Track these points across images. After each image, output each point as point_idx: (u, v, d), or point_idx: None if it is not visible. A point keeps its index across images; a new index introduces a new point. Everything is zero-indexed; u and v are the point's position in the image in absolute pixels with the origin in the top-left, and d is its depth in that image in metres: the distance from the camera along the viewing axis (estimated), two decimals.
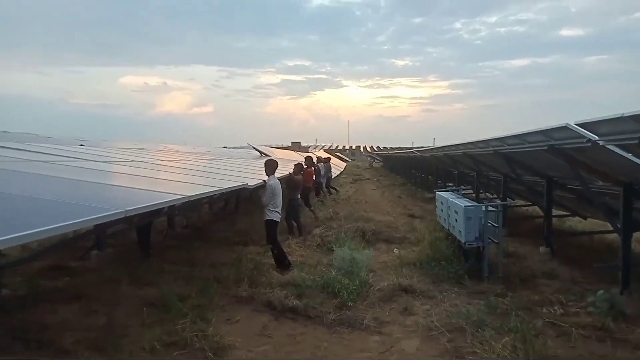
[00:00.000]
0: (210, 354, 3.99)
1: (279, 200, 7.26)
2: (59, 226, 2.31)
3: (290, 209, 9.44)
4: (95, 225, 6.71)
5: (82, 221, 2.49)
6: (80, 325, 4.57)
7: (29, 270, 6.34)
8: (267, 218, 7.09)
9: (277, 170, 7.52)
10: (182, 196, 4.61)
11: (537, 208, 11.87)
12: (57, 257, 7.02)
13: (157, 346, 4.02)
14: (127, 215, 3.02)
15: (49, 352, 3.96)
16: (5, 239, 1.93)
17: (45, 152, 9.12)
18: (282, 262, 6.96)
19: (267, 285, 5.95)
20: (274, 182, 7.23)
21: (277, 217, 7.16)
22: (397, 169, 35.78)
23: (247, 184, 7.30)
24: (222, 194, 8.15)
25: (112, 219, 2.96)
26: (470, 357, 3.97)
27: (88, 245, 7.56)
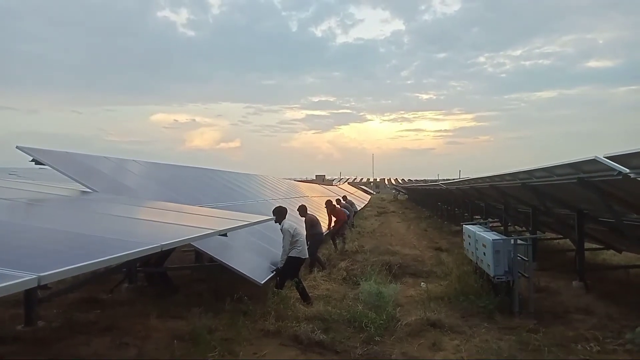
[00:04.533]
0: None
1: (302, 239, 7.45)
2: (105, 259, 2.45)
3: (315, 244, 9.59)
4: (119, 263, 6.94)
5: (124, 254, 2.63)
6: (113, 358, 4.67)
7: (62, 302, 6.55)
8: (290, 255, 7.28)
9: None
10: (213, 230, 4.74)
11: (568, 241, 11.56)
12: (89, 290, 7.25)
13: None
14: (163, 249, 3.15)
15: None
16: (65, 270, 2.08)
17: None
18: (307, 297, 7.02)
19: (293, 319, 5.95)
20: (288, 224, 7.44)
21: (297, 253, 7.29)
22: (423, 202, 35.46)
23: (274, 217, 7.41)
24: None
25: (149, 253, 3.10)
26: None
27: (117, 279, 7.79)
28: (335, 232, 12.33)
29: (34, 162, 7.29)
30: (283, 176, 36.28)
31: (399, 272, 9.26)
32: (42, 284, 1.97)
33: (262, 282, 6.63)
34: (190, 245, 7.94)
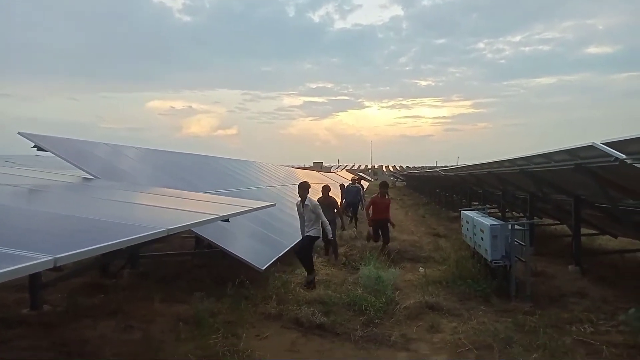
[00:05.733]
0: None
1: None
2: (116, 242, 2.52)
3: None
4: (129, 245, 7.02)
5: (133, 238, 2.70)
6: (119, 340, 4.77)
7: (66, 287, 6.63)
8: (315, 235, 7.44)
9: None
10: (215, 216, 4.81)
11: (565, 227, 11.70)
12: (92, 275, 7.33)
13: (195, 356, 4.17)
14: (169, 234, 3.21)
15: None
16: (80, 252, 2.15)
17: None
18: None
19: (294, 302, 6.06)
20: (315, 200, 7.66)
21: (316, 233, 7.48)
22: (421, 189, 35.58)
23: (274, 203, 7.47)
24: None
25: (156, 237, 3.16)
26: None
27: (119, 264, 7.87)
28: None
29: (35, 148, 7.32)
30: (281, 163, 36.28)
31: (398, 258, 9.37)
32: (57, 265, 2.04)
33: (263, 268, 6.73)
34: (190, 231, 8.02)
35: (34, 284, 5.71)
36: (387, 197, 10.13)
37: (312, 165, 79.42)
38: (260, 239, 8.26)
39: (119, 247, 2.60)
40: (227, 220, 5.66)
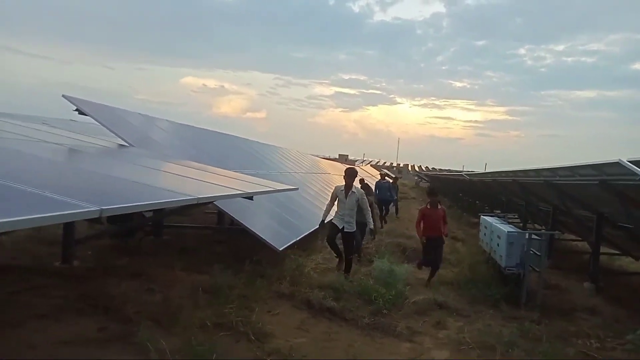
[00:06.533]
0: (253, 338, 4.36)
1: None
2: (156, 202, 2.76)
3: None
4: (155, 213, 7.35)
5: (170, 201, 2.93)
6: (140, 300, 5.07)
7: (95, 246, 7.03)
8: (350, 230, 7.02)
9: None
10: (242, 192, 5.05)
11: (586, 244, 11.54)
12: (117, 240, 7.72)
13: (207, 324, 4.43)
14: (199, 202, 3.44)
15: (115, 318, 4.46)
16: (125, 206, 2.39)
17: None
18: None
19: (307, 285, 6.28)
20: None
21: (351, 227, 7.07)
22: (444, 191, 35.27)
23: (297, 188, 7.67)
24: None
25: (186, 204, 3.40)
26: None
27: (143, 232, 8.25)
28: None
29: (77, 112, 7.71)
30: (306, 152, 36.45)
31: (413, 255, 9.47)
32: (103, 215, 2.27)
33: (280, 249, 6.96)
34: (212, 207, 8.32)
35: (67, 239, 6.09)
36: (439, 207, 7.73)
37: (337, 157, 79.36)
38: (280, 221, 8.50)
39: (158, 207, 2.84)
40: (251, 198, 5.90)
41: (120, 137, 7.88)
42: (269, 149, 18.19)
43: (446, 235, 7.92)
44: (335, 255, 7.20)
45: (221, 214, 10.47)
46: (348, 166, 7.54)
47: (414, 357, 4.43)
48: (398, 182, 19.18)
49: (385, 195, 14.23)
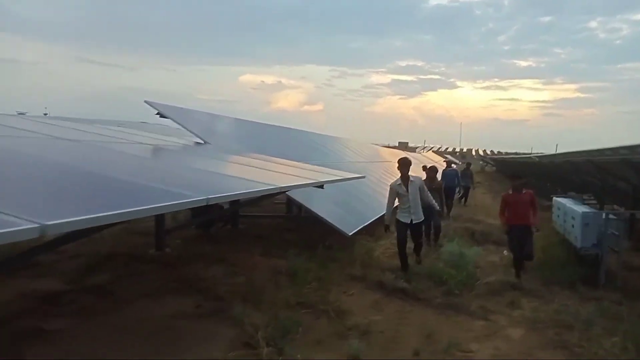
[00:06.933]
0: (332, 315, 4.69)
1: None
2: (250, 191, 3.13)
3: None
4: (231, 204, 7.90)
5: (258, 190, 3.30)
6: (227, 281, 5.59)
7: (181, 235, 7.71)
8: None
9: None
10: (314, 181, 5.38)
11: None
12: (199, 229, 8.39)
13: (290, 302, 4.82)
14: (281, 191, 3.79)
15: (208, 297, 4.98)
16: (226, 195, 2.77)
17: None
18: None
19: (377, 268, 6.53)
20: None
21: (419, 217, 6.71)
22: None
23: (364, 176, 7.91)
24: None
25: (272, 192, 3.76)
26: (577, 349, 4.13)
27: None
28: None
29: (158, 115, 8.43)
30: (364, 141, 36.41)
31: (482, 239, 9.42)
32: (209, 203, 2.65)
33: (350, 234, 7.25)
34: (281, 197, 8.76)
35: (159, 230, 6.75)
36: (523, 191, 6.63)
37: (397, 145, 78.32)
38: (347, 208, 8.78)
39: (250, 197, 3.21)
40: (322, 187, 6.21)
41: (196, 135, 8.51)
42: (328, 139, 18.53)
43: (537, 229, 6.69)
44: (401, 267, 6.53)
45: (290, 203, 10.96)
46: (401, 156, 6.88)
47: (489, 334, 4.54)
48: (470, 168, 17.98)
49: (452, 183, 14.07)
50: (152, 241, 6.93)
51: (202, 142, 8.54)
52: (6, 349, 3.47)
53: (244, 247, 7.27)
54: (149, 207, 2.19)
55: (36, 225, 1.77)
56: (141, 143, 6.30)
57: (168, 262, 6.26)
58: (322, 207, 8.11)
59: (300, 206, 9.95)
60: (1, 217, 1.78)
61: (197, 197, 2.61)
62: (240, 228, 8.98)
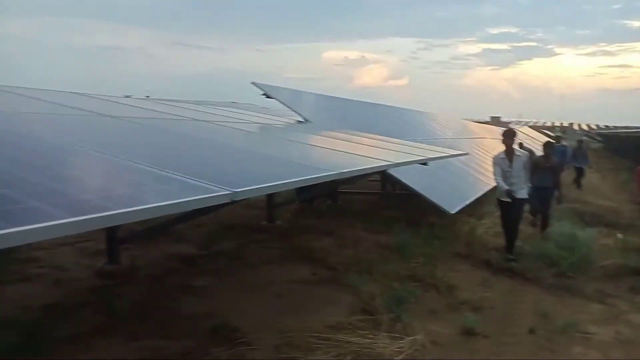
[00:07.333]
0: (441, 289, 4.84)
1: None
2: (366, 167, 3.40)
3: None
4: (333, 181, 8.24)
5: (373, 167, 3.55)
6: (337, 253, 5.95)
7: (288, 209, 8.23)
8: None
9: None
10: (420, 157, 5.48)
11: None
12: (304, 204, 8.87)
13: (401, 274, 5.05)
14: (387, 169, 3.99)
15: (322, 265, 5.37)
16: (349, 170, 3.06)
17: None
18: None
19: (481, 247, 6.51)
20: None
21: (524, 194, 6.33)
22: (624, 151, 30.78)
23: (467, 153, 7.82)
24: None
25: (382, 169, 3.97)
26: None
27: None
28: None
29: (264, 96, 8.96)
30: (452, 116, 35.00)
31: (592, 221, 8.86)
32: (342, 177, 2.92)
33: (453, 212, 7.25)
34: (376, 174, 8.90)
35: (270, 203, 7.30)
36: None
37: (489, 119, 74.19)
38: (448, 185, 8.74)
39: (369, 172, 3.44)
40: (426, 164, 6.28)
41: (299, 114, 8.93)
42: (418, 115, 18.22)
43: None
44: (506, 246, 6.30)
45: (384, 180, 11.13)
46: (505, 128, 6.63)
47: (609, 318, 4.41)
48: (584, 145, 15.73)
49: (562, 160, 13.20)
50: (260, 214, 7.50)
51: (304, 121, 8.94)
52: (165, 300, 4.11)
53: (346, 222, 7.60)
54: (307, 177, 2.52)
55: (228, 192, 2.14)
56: (258, 123, 6.84)
57: (280, 233, 6.78)
58: (423, 184, 8.16)
59: (395, 183, 10.10)
60: (202, 185, 2.18)
61: (333, 171, 2.89)
62: (338, 204, 9.34)
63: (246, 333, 3.52)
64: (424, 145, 7.92)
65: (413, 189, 7.52)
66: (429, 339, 3.60)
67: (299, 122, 8.96)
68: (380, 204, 9.93)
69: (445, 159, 9.37)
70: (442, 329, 3.90)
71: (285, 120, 8.69)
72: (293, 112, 9.20)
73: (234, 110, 9.88)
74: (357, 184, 11.46)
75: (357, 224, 7.45)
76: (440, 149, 7.95)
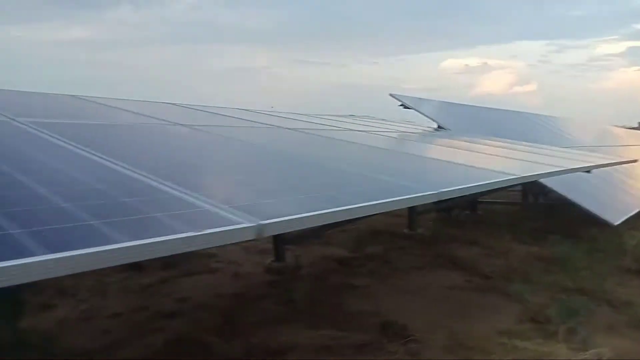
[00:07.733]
0: (615, 304, 4.46)
1: None
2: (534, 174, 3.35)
3: None
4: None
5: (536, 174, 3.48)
6: (486, 262, 5.81)
7: (426, 218, 8.23)
8: None
9: None
10: (582, 165, 5.14)
11: None
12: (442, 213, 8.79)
13: (568, 286, 4.77)
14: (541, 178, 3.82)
15: (473, 273, 5.29)
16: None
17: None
18: None
19: None
20: None
21: None
22: None
23: (636, 160, 7.11)
24: None
25: (550, 176, 3.84)
26: None
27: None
28: None
29: (402, 107, 9.16)
30: (593, 123, 31.42)
31: None
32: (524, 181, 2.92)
33: (616, 224, 6.61)
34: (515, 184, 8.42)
35: (412, 212, 7.40)
36: None
37: (638, 125, 65.09)
38: (606, 194, 7.98)
39: (531, 180, 3.38)
40: (589, 172, 5.86)
41: (438, 123, 8.94)
42: (551, 120, 16.88)
43: None
44: None
45: (526, 190, 10.49)
46: None
47: None
48: None
49: None
50: (400, 222, 7.61)
51: (445, 129, 8.91)
52: (331, 297, 4.44)
53: (489, 232, 7.36)
54: (489, 182, 2.62)
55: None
56: (400, 131, 7.04)
57: (423, 241, 6.83)
58: (578, 193, 7.56)
59: (537, 193, 9.45)
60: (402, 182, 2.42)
61: (511, 175, 2.92)
62: (478, 214, 9.06)
63: (415, 332, 3.65)
64: (581, 152, 7.37)
65: (569, 199, 7.03)
66: (615, 352, 3.37)
67: (439, 128, 8.97)
68: (522, 214, 9.39)
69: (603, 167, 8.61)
70: (626, 344, 3.61)
71: (423, 128, 8.77)
72: (432, 122, 9.24)
73: (375, 121, 10.25)
74: (496, 194, 11.02)
75: (502, 233, 7.17)
76: (601, 155, 7.31)
